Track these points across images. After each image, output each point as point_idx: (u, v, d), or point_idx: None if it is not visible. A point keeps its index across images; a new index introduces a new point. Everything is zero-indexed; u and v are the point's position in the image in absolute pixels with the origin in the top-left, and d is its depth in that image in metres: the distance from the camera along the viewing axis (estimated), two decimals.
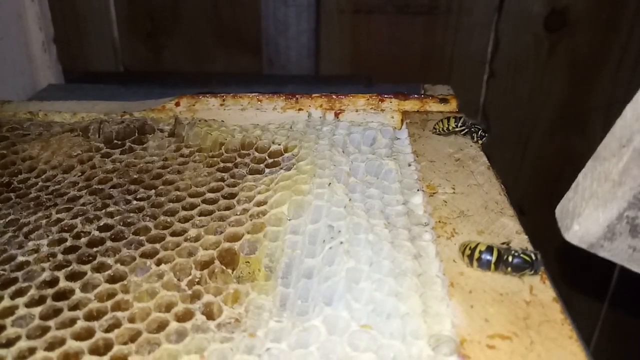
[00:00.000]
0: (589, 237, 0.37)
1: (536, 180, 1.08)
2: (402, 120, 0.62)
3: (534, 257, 0.38)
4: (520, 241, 0.42)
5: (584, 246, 0.37)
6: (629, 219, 0.35)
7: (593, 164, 0.37)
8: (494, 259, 0.38)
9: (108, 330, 0.37)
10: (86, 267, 0.42)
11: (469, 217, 0.45)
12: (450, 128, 0.56)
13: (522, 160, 1.07)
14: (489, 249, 0.38)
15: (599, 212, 0.36)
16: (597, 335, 1.22)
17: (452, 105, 0.63)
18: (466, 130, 0.56)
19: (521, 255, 0.38)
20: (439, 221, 0.45)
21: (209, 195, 0.49)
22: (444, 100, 0.64)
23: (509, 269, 0.38)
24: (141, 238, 0.44)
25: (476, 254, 0.38)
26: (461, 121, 0.56)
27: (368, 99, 0.63)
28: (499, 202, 0.47)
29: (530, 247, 0.41)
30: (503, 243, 0.41)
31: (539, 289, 0.38)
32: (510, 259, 0.38)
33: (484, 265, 0.38)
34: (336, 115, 0.63)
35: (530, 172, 1.07)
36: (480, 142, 0.55)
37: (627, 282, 1.15)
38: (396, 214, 0.45)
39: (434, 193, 0.48)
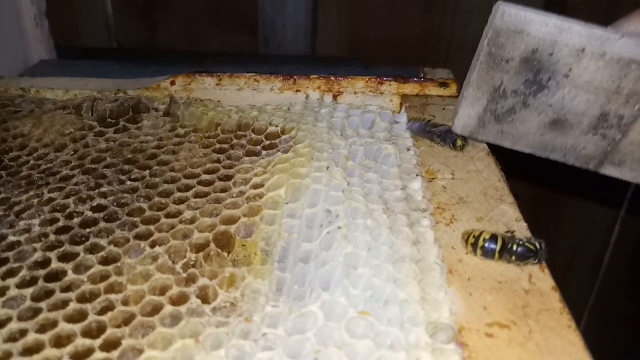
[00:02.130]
0: (467, 127, 0.50)
1: (531, 165, 1.07)
2: (401, 104, 0.61)
3: (538, 246, 0.38)
4: (520, 229, 0.42)
5: (466, 134, 0.50)
6: (491, 111, 0.48)
7: (467, 76, 0.49)
8: (498, 247, 0.38)
9: (101, 312, 0.36)
10: (79, 248, 0.41)
11: (468, 204, 0.45)
12: (430, 123, 0.54)
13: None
14: (493, 237, 0.38)
15: (469, 109, 0.49)
16: (586, 318, 1.23)
17: (452, 90, 0.62)
18: (444, 132, 0.52)
19: (525, 244, 0.38)
20: (438, 207, 0.44)
21: (205, 176, 0.48)
22: (443, 84, 0.63)
23: (513, 257, 0.38)
24: (135, 219, 0.44)
25: (480, 242, 0.38)
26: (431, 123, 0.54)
27: (367, 82, 0.62)
28: (499, 189, 0.47)
29: (528, 235, 0.41)
30: (507, 231, 0.40)
31: (538, 278, 0.38)
32: (514, 247, 0.37)
33: (488, 254, 0.38)
34: (334, 97, 0.62)
35: (525, 157, 1.07)
36: (459, 144, 0.51)
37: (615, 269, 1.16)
38: (395, 199, 0.45)
39: (432, 178, 0.48)
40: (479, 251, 0.38)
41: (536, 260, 0.38)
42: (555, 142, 0.47)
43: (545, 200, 1.14)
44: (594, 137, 0.46)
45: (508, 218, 0.43)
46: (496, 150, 0.51)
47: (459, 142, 0.51)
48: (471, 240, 0.39)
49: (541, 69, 0.45)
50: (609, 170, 0.47)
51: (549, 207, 1.16)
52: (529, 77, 0.45)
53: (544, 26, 0.43)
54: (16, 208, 0.45)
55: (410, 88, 0.62)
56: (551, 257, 0.39)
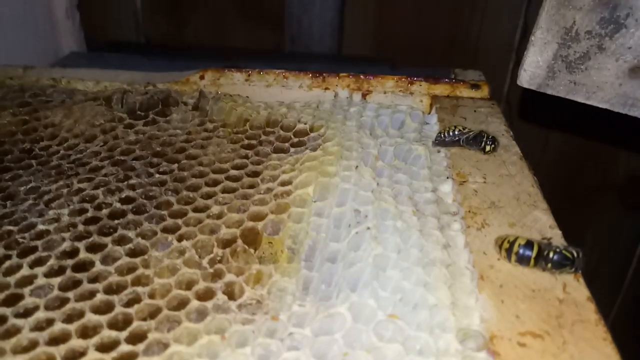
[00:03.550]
0: (535, 79, 0.46)
1: (556, 173, 1.06)
2: (431, 105, 0.60)
3: (575, 254, 0.36)
4: (554, 236, 0.41)
5: (534, 87, 0.46)
6: (563, 58, 0.43)
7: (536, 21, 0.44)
8: (534, 253, 0.37)
9: (128, 305, 0.36)
10: (107, 240, 0.41)
11: (500, 209, 0.44)
12: (457, 132, 0.51)
13: (543, 152, 1.04)
14: (529, 244, 0.37)
15: (537, 56, 0.44)
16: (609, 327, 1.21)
17: (484, 92, 0.61)
18: (472, 138, 0.50)
19: (563, 251, 0.36)
20: (469, 211, 0.43)
21: (233, 172, 0.48)
22: (475, 86, 0.62)
23: (549, 265, 0.36)
24: (163, 212, 0.43)
25: (515, 248, 0.37)
26: (466, 130, 0.51)
27: (397, 81, 0.61)
28: (532, 195, 0.45)
29: (563, 242, 0.40)
30: (543, 238, 0.39)
31: (573, 287, 0.37)
32: (551, 254, 0.36)
33: (523, 260, 0.37)
34: (364, 96, 0.61)
35: (550, 164, 1.05)
36: (488, 150, 0.50)
37: None
38: (425, 202, 0.44)
39: (464, 182, 0.47)
40: (513, 257, 0.37)
41: (572, 269, 0.37)
42: (636, 93, 0.42)
43: (571, 209, 1.12)
44: None
45: (542, 225, 0.42)
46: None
47: (487, 148, 0.49)
48: (506, 245, 0.38)
49: (618, 4, 0.40)
50: None
51: (574, 216, 1.13)
52: (605, 14, 0.41)
53: None
54: (46, 197, 0.45)
55: (441, 89, 0.62)
56: None
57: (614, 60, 0.42)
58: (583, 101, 0.44)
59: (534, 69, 0.45)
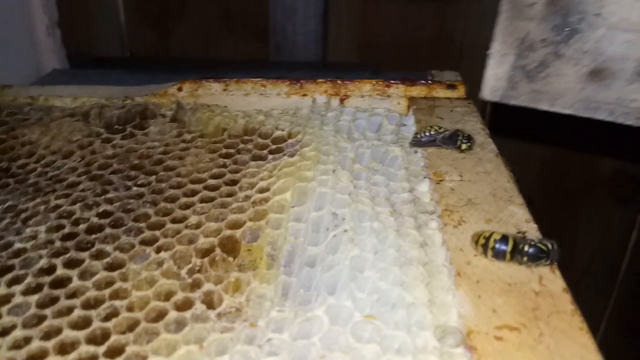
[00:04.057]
0: (497, 90, 0.46)
1: (546, 169, 1.06)
2: (408, 107, 0.61)
3: (550, 246, 0.37)
4: (530, 230, 0.41)
5: (497, 99, 0.46)
6: (521, 68, 0.44)
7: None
8: (509, 248, 0.37)
9: (106, 319, 0.36)
10: (84, 255, 0.41)
11: (477, 205, 0.44)
12: (433, 132, 0.51)
13: (532, 149, 1.05)
14: (504, 238, 0.37)
15: (496, 69, 0.45)
16: (604, 325, 1.21)
17: (460, 92, 0.62)
18: (448, 137, 0.50)
19: (537, 244, 0.37)
20: (446, 209, 0.44)
21: (211, 181, 0.48)
22: (451, 86, 0.62)
23: (525, 258, 0.37)
24: (141, 225, 0.43)
25: (491, 243, 0.37)
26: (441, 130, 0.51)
27: (374, 85, 0.62)
28: (508, 190, 0.46)
29: (538, 235, 0.40)
30: (518, 232, 0.39)
31: (549, 279, 0.37)
32: (526, 248, 0.36)
33: (499, 255, 0.37)
34: (341, 101, 0.61)
35: (537, 164, 1.06)
36: (464, 148, 0.50)
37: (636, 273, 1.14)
38: (402, 202, 0.44)
39: (440, 180, 0.47)
40: (489, 252, 0.37)
41: (548, 261, 0.37)
42: (598, 97, 0.42)
43: (561, 205, 1.13)
44: None
45: (518, 219, 0.42)
46: (507, 154, 0.50)
47: (463, 147, 0.50)
48: (481, 241, 0.38)
49: (569, 11, 0.40)
50: None
51: (564, 212, 1.14)
52: (557, 21, 0.41)
53: None
54: (23, 215, 0.45)
55: (417, 91, 0.62)
56: (567, 263, 0.38)
57: (572, 66, 0.42)
58: (547, 109, 0.45)
59: (494, 81, 0.45)
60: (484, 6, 0.97)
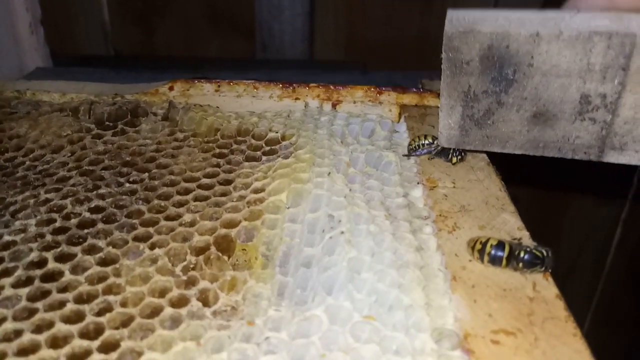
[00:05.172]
0: (452, 138, 0.48)
1: (528, 169, 1.07)
2: (399, 114, 0.61)
3: (545, 253, 0.37)
4: (523, 237, 0.42)
5: (454, 145, 0.49)
6: (469, 117, 0.46)
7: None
8: (505, 254, 0.37)
9: (99, 314, 0.35)
10: (76, 249, 0.40)
11: (470, 212, 0.45)
12: (425, 144, 0.51)
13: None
14: (501, 244, 0.38)
15: (447, 119, 0.48)
16: (589, 319, 1.23)
17: None
18: (440, 151, 0.51)
19: (533, 251, 0.37)
20: (440, 215, 0.44)
21: (205, 180, 0.48)
22: None
23: (520, 264, 0.37)
24: (134, 221, 0.43)
25: (487, 249, 0.38)
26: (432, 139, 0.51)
27: (366, 91, 0.62)
28: (500, 198, 0.47)
29: (533, 242, 0.40)
30: (514, 239, 0.40)
31: (542, 286, 0.38)
32: (522, 254, 0.37)
33: (495, 261, 0.38)
34: (333, 106, 0.61)
35: (522, 161, 1.07)
36: (455, 161, 0.51)
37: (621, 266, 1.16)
38: (397, 206, 0.45)
39: (434, 187, 0.48)
40: (486, 258, 0.38)
41: (543, 268, 0.37)
42: (544, 137, 0.45)
43: (546, 203, 1.14)
44: (583, 124, 0.43)
45: (510, 227, 0.43)
46: (495, 154, 0.51)
47: (453, 160, 0.50)
48: (478, 246, 0.38)
49: (503, 64, 0.43)
50: (613, 157, 0.43)
51: (549, 210, 1.15)
52: (494, 74, 0.44)
53: (492, 21, 0.42)
54: (12, 208, 0.44)
55: (409, 98, 0.63)
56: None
57: (515, 111, 0.45)
58: (499, 151, 0.47)
59: (447, 130, 0.48)
60: (470, 4, 0.98)
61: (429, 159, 0.51)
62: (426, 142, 0.51)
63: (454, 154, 0.50)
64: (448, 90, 0.46)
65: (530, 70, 0.43)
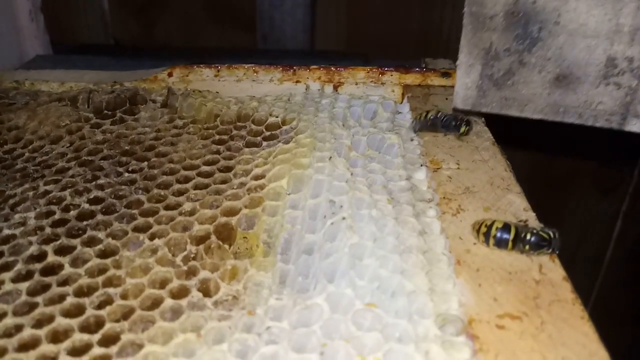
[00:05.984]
0: (468, 99, 0.46)
1: (532, 158, 1.06)
2: (403, 94, 0.60)
3: (552, 235, 0.36)
4: (529, 218, 0.41)
5: (469, 107, 0.47)
6: (489, 77, 0.44)
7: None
8: (511, 236, 0.36)
9: (99, 307, 0.35)
10: (76, 241, 0.40)
11: (475, 193, 0.44)
12: (429, 117, 0.50)
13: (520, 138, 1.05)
14: (506, 227, 0.37)
15: (465, 78, 0.45)
16: (589, 312, 1.22)
17: (454, 80, 0.61)
18: (448, 121, 0.50)
19: (539, 232, 0.36)
20: (444, 197, 0.43)
21: (204, 168, 0.47)
22: (446, 74, 0.62)
23: (527, 247, 0.36)
24: (133, 211, 0.42)
25: (493, 232, 0.37)
26: (439, 113, 0.51)
27: (368, 72, 0.61)
28: (505, 179, 0.46)
29: (539, 224, 0.40)
30: (519, 221, 0.39)
31: (549, 268, 0.37)
32: (528, 236, 0.36)
33: (501, 243, 0.37)
34: (335, 88, 0.60)
35: (523, 153, 1.06)
36: (464, 130, 0.50)
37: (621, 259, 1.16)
38: (399, 190, 0.44)
39: (437, 168, 0.47)
40: (491, 241, 0.37)
41: (550, 250, 0.37)
42: (565, 101, 0.43)
43: (546, 195, 1.13)
44: (607, 88, 0.41)
45: (516, 208, 0.42)
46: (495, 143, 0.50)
47: (462, 129, 0.49)
48: (483, 229, 0.37)
49: (529, 20, 0.41)
50: (635, 126, 0.41)
51: (550, 201, 1.15)
52: (519, 31, 0.42)
53: None
54: (11, 201, 0.44)
55: (412, 78, 0.61)
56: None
57: (537, 72, 0.43)
58: (517, 115, 0.45)
59: (464, 90, 0.46)
60: None
61: (435, 132, 0.50)
62: (430, 115, 0.50)
63: (463, 124, 0.49)
64: (468, 47, 0.44)
65: (557, 28, 0.41)
